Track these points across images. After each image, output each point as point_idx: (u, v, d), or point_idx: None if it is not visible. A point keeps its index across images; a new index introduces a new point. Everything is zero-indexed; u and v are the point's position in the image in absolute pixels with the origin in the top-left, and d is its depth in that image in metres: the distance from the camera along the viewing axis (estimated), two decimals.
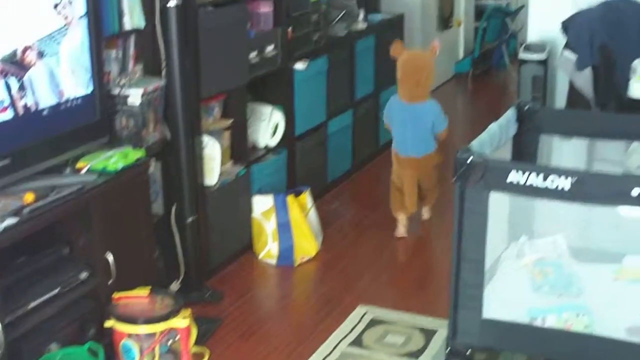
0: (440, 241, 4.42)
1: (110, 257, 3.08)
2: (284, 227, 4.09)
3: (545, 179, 2.45)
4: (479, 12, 8.77)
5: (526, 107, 3.15)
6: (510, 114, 3.10)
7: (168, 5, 3.46)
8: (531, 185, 2.47)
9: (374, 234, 4.51)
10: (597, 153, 4.54)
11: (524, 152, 3.18)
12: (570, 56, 4.16)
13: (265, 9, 4.27)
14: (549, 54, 4.73)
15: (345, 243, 4.37)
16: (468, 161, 2.54)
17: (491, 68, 8.32)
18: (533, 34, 4.88)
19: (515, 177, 2.49)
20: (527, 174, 2.46)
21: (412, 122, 4.29)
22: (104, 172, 3.11)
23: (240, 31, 3.94)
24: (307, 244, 4.13)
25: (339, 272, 4.04)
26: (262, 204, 4.14)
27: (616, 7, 4.41)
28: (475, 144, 2.67)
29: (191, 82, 3.61)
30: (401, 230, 4.46)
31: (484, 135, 2.79)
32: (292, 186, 4.51)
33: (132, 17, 3.50)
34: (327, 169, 5.00)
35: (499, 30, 8.15)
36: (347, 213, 4.78)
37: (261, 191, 4.21)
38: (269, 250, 4.12)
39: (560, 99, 4.86)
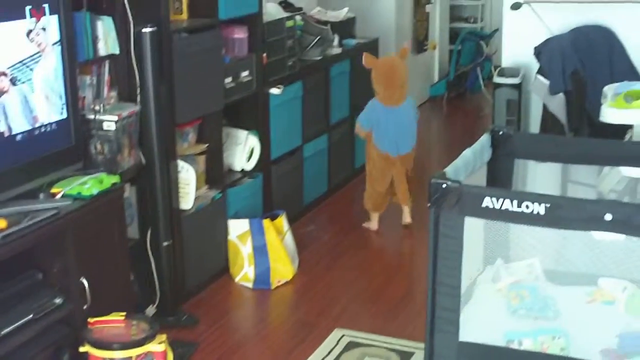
0: (416, 264, 4.44)
1: (85, 282, 3.06)
2: (260, 251, 4.08)
3: (519, 204, 2.46)
4: (454, 35, 8.84)
5: (500, 132, 3.17)
6: (484, 139, 3.11)
7: (143, 31, 3.47)
8: (506, 210, 2.47)
9: (350, 257, 4.52)
10: (571, 176, 4.60)
11: (499, 176, 3.19)
12: (544, 81, 4.20)
13: (240, 34, 4.28)
14: (523, 78, 4.78)
15: (322, 266, 4.38)
16: (443, 187, 2.54)
17: (466, 91, 8.37)
18: (507, 58, 4.93)
19: (490, 202, 2.50)
20: (501, 199, 2.48)
21: (401, 123, 4.64)
22: (79, 197, 3.09)
23: (215, 57, 3.94)
24: (284, 268, 4.13)
25: (315, 296, 4.04)
26: (238, 228, 4.13)
27: (586, 33, 4.47)
28: (449, 169, 2.68)
29: (166, 108, 3.61)
30: (376, 223, 4.83)
31: (458, 161, 2.80)
32: (269, 210, 4.51)
33: (107, 43, 3.51)
34: (303, 192, 5.01)
35: (473, 54, 8.21)
36: (323, 236, 4.79)
37: (237, 215, 4.21)
38: (245, 273, 4.11)
39: (534, 123, 4.90)
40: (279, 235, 4.15)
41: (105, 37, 3.50)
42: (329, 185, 5.36)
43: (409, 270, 4.47)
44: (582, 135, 4.35)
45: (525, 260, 3.13)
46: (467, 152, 2.92)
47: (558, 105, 4.18)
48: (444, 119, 7.93)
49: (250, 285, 4.10)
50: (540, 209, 2.44)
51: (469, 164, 2.87)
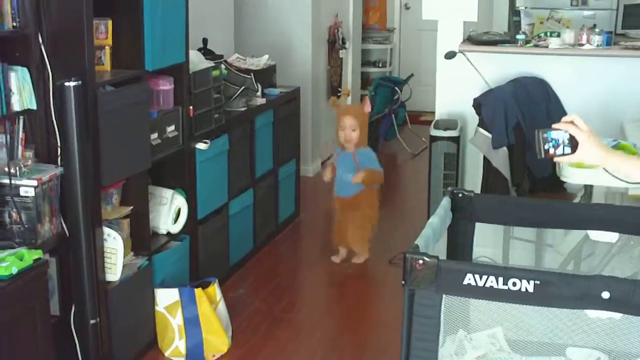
0: (359, 338, 4.12)
1: None
2: (192, 323, 3.73)
3: (505, 282, 2.26)
4: (364, 80, 8.71)
5: (460, 195, 2.97)
6: (445, 203, 2.91)
7: (67, 85, 3.12)
8: (491, 288, 2.27)
9: (287, 325, 4.16)
10: (513, 232, 4.46)
11: (460, 242, 2.99)
12: (486, 135, 4.05)
13: (166, 86, 3.95)
14: (461, 130, 4.62)
15: (258, 336, 4.00)
16: (420, 262, 2.31)
17: (379, 138, 8.19)
18: (441, 108, 4.77)
19: (472, 279, 2.28)
20: (485, 276, 2.26)
21: (344, 166, 4.90)
22: None
23: (143, 112, 3.61)
24: (218, 340, 3.78)
25: None
26: (166, 298, 3.77)
27: (525, 84, 4.36)
28: (421, 242, 2.45)
29: (91, 169, 3.26)
30: (338, 258, 5.03)
31: (427, 231, 2.57)
32: (195, 274, 4.17)
33: (22, 97, 3.16)
34: (229, 252, 4.69)
35: (388, 100, 8.06)
36: (254, 300, 4.43)
37: (164, 283, 3.86)
38: (176, 347, 3.75)
39: (470, 177, 4.75)
40: (212, 304, 3.81)
41: (20, 91, 3.15)
42: (255, 243, 5.05)
43: (351, 343, 4.06)
44: (523, 189, 4.22)
45: (486, 330, 2.94)
46: (433, 220, 2.70)
47: (501, 160, 4.03)
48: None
49: None
50: (529, 286, 2.25)
51: (437, 232, 2.66)
